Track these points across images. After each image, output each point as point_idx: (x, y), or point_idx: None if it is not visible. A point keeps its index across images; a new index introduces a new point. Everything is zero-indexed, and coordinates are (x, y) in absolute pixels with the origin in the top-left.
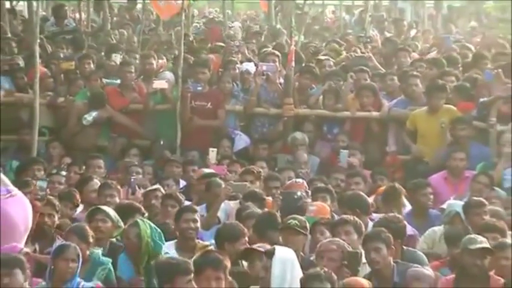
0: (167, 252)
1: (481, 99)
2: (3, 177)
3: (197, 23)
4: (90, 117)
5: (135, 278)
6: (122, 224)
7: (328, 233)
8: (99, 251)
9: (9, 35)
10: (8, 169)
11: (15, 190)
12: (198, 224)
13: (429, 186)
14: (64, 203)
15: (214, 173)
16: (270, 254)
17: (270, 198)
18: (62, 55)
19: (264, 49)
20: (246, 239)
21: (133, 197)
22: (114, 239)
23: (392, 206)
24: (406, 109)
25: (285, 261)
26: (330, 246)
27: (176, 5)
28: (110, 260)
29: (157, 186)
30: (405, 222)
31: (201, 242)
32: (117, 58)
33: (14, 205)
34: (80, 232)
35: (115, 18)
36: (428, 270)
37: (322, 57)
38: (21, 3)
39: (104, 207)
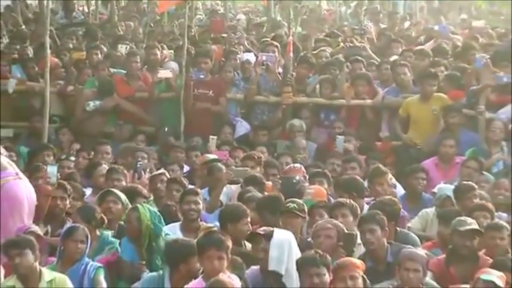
0: (168, 234)
1: (471, 88)
2: (6, 162)
3: (200, 15)
4: (93, 104)
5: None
6: (130, 206)
7: (326, 216)
8: (108, 233)
9: (23, 26)
10: (22, 154)
11: (21, 174)
12: (200, 206)
13: (423, 172)
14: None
15: (217, 159)
16: (268, 237)
17: (269, 183)
18: (71, 45)
19: (264, 40)
20: (248, 219)
21: (140, 181)
22: (122, 222)
23: (376, 184)
24: (398, 97)
25: (282, 244)
26: (326, 225)
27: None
28: (118, 241)
29: (162, 171)
30: (400, 205)
31: (204, 223)
32: (123, 49)
33: (21, 187)
34: (87, 214)
35: (121, 11)
36: (420, 251)
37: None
38: None
39: (115, 190)
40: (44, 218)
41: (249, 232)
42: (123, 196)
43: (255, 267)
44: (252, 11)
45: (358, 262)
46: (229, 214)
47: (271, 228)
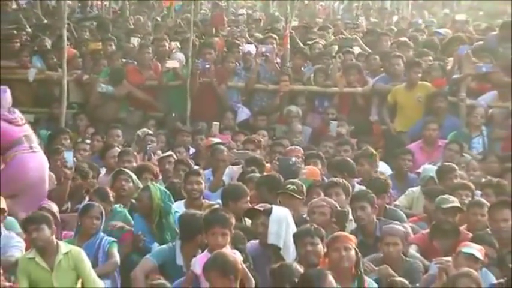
0: (177, 211)
1: (453, 76)
2: (32, 134)
3: (204, 10)
4: (104, 86)
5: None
6: (141, 185)
7: (322, 194)
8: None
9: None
10: (43, 137)
11: (37, 148)
12: (202, 186)
13: (409, 154)
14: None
15: (220, 142)
16: (267, 213)
17: (268, 165)
18: (86, 37)
19: (264, 32)
20: (248, 198)
21: (149, 162)
22: (133, 200)
23: (364, 164)
24: (387, 85)
25: (280, 219)
26: (320, 203)
27: None
28: (126, 210)
29: (170, 153)
30: (389, 180)
31: (207, 201)
32: (135, 41)
33: (33, 160)
34: (102, 193)
35: (132, 7)
36: (400, 226)
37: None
38: None
39: (126, 170)
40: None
41: (249, 209)
42: (134, 175)
43: (254, 241)
44: (252, 7)
45: (351, 235)
46: (230, 193)
47: (270, 205)
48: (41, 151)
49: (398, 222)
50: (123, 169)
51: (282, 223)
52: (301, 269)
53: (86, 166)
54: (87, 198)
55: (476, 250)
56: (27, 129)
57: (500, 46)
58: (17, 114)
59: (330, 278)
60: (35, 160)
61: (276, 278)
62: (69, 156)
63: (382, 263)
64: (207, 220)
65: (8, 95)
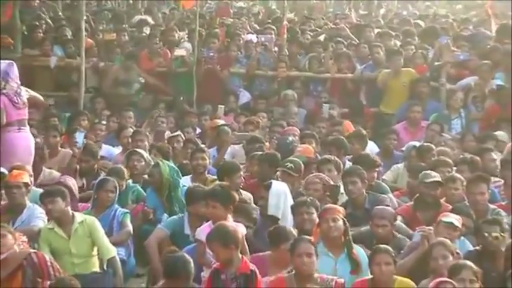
0: (184, 185)
1: (434, 63)
2: (25, 120)
3: (209, 3)
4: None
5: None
6: (152, 162)
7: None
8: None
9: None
10: (63, 118)
11: (26, 130)
12: (207, 162)
13: (394, 133)
14: None
15: (224, 124)
16: (267, 187)
17: (267, 144)
18: (101, 28)
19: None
20: (241, 173)
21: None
22: (146, 176)
23: (356, 143)
24: (374, 72)
25: (279, 193)
26: (313, 180)
27: None
28: (138, 185)
29: (178, 132)
30: (377, 157)
31: (211, 176)
32: (147, 30)
33: (20, 139)
34: (117, 171)
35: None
36: (389, 201)
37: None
38: None
39: (139, 150)
40: (80, 174)
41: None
42: (145, 154)
43: None
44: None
45: (339, 207)
46: (225, 169)
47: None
48: (29, 132)
49: (385, 196)
50: (136, 150)
51: (280, 196)
52: (294, 232)
53: (95, 146)
54: (102, 175)
55: (455, 219)
56: (24, 114)
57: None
58: (22, 98)
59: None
60: (21, 139)
61: (272, 239)
62: (80, 137)
63: (371, 238)
64: (208, 192)
65: (15, 68)
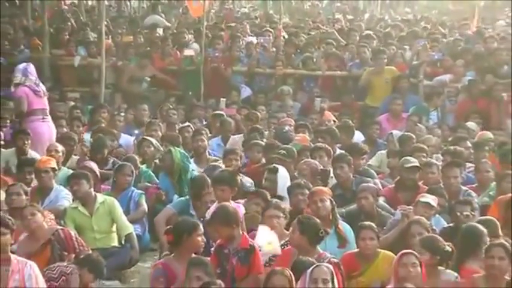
0: (193, 170)
1: (413, 63)
2: (46, 109)
3: (213, 9)
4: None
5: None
6: (161, 149)
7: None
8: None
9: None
10: (86, 111)
11: (48, 119)
12: (206, 143)
13: (377, 124)
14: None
15: (229, 115)
16: (274, 171)
17: (266, 132)
18: (120, 31)
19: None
20: (238, 156)
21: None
22: (157, 161)
23: (343, 134)
24: (360, 70)
25: (286, 176)
26: (302, 166)
27: (203, 6)
28: (151, 170)
29: (188, 124)
30: (364, 146)
31: (211, 157)
32: (160, 31)
33: (43, 127)
34: (132, 159)
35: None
36: (372, 183)
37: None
38: None
39: (149, 138)
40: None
41: None
42: (154, 141)
43: None
44: (253, 6)
45: (326, 189)
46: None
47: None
48: (51, 121)
49: (370, 179)
50: (146, 137)
51: (286, 179)
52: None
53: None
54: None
55: (431, 199)
56: (45, 103)
57: None
58: (41, 87)
59: None
60: (45, 128)
61: None
62: (87, 137)
63: (358, 215)
64: (216, 178)
65: (32, 68)
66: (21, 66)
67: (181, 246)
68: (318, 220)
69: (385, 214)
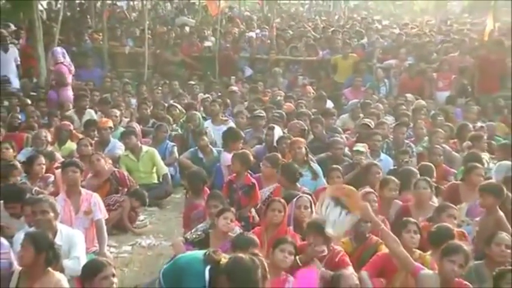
0: (207, 126)
1: (368, 49)
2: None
3: (225, 13)
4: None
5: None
6: (184, 111)
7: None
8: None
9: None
10: (133, 86)
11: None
12: (218, 108)
13: (343, 95)
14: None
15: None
16: (272, 128)
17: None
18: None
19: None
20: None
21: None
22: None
23: (318, 102)
24: (331, 56)
25: (280, 132)
26: (294, 124)
27: (218, 6)
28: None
29: (207, 95)
30: (335, 111)
31: (223, 118)
32: (187, 28)
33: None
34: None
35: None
36: (341, 137)
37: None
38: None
39: (175, 104)
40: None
41: None
42: (179, 106)
43: (260, 146)
44: (252, 9)
45: (301, 139)
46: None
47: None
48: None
49: (337, 134)
50: (173, 104)
51: (280, 134)
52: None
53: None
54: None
55: (361, 146)
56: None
57: None
58: (72, 67)
59: None
60: (70, 94)
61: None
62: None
63: (331, 159)
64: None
65: (65, 51)
66: (59, 49)
67: None
68: (295, 165)
69: (349, 160)
